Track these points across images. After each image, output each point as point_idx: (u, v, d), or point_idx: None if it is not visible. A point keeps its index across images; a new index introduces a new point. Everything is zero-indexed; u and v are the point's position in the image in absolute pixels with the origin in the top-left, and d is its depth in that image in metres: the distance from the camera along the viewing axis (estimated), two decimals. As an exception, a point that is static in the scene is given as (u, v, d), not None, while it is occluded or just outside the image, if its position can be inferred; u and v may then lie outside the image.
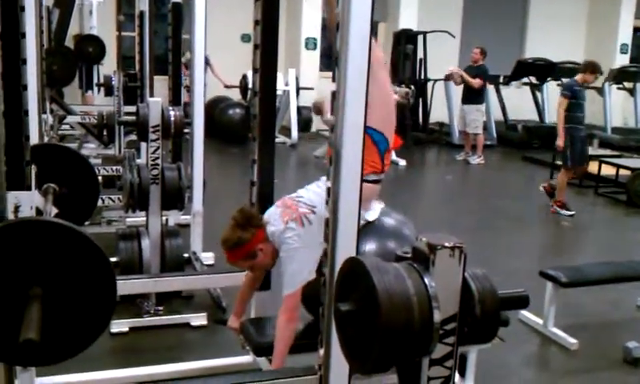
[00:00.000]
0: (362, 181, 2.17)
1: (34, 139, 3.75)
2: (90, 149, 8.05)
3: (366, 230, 2.85)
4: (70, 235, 1.88)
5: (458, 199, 8.41)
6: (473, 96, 10.24)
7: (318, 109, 9.44)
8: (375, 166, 2.93)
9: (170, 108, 4.22)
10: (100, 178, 5.46)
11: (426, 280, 1.40)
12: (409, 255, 1.48)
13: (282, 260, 2.77)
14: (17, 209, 2.53)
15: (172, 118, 4.12)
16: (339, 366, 2.22)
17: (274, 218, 2.84)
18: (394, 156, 9.97)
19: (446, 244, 1.42)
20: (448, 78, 10.87)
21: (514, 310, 1.60)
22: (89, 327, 1.91)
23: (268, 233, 2.81)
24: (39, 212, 2.82)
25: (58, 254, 1.86)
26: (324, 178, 2.88)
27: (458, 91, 10.87)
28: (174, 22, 5.78)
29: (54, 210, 3.00)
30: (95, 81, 9.92)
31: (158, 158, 4.00)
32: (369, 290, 1.36)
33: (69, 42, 9.75)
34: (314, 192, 2.87)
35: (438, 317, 1.38)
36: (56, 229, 1.89)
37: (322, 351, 2.30)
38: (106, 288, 1.92)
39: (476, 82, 10.09)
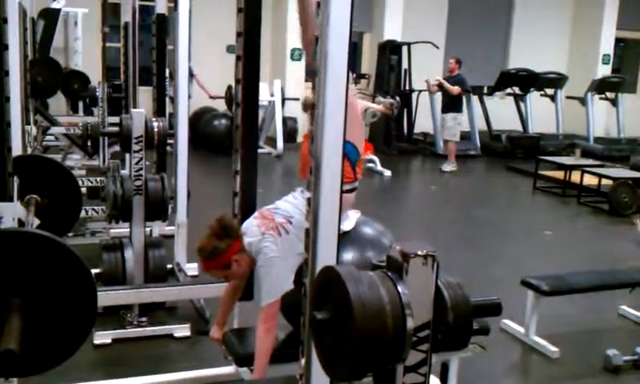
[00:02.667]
0: (342, 197, 2.18)
1: (17, 150, 3.77)
2: (75, 160, 8.04)
3: (345, 239, 2.87)
4: (51, 246, 1.89)
5: (442, 209, 8.46)
6: (451, 104, 10.38)
7: (307, 105, 9.48)
8: (347, 175, 2.90)
9: (154, 119, 4.23)
10: (84, 189, 5.48)
11: (400, 288, 1.42)
12: (384, 264, 1.51)
13: (259, 270, 2.79)
14: (-1, 220, 2.54)
15: (155, 129, 4.13)
16: (320, 375, 2.23)
17: (250, 229, 2.86)
18: (379, 166, 10.04)
19: (419, 252, 1.44)
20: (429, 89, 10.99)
21: (487, 317, 1.63)
22: (69, 338, 1.92)
23: (245, 243, 2.83)
24: (21, 223, 2.82)
25: (38, 265, 1.87)
26: (299, 189, 2.92)
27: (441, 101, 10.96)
28: (158, 33, 5.79)
29: (36, 221, 3.00)
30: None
31: (141, 168, 4.00)
32: (343, 299, 1.39)
33: (55, 53, 9.74)
34: (290, 203, 2.91)
35: (411, 324, 1.41)
36: (37, 240, 1.90)
37: (303, 361, 2.32)
38: (87, 299, 1.93)
39: (455, 89, 10.21)
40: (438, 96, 10.97)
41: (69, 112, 10.06)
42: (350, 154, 2.95)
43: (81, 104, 9.96)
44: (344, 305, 1.39)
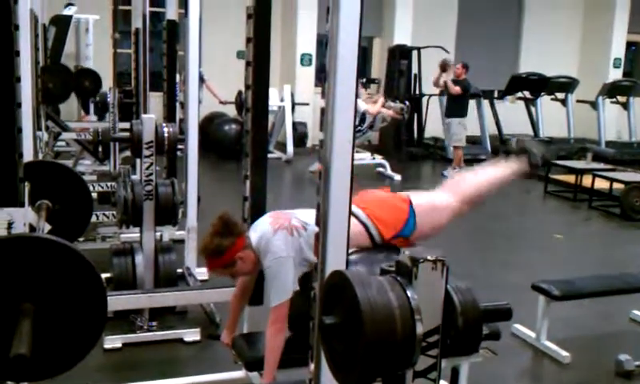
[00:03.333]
0: (351, 202, 2.18)
1: (28, 156, 3.80)
2: (86, 165, 8.09)
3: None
4: (62, 251, 1.90)
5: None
6: (455, 109, 10.34)
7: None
8: (386, 232, 2.92)
9: (164, 124, 4.25)
10: (95, 194, 5.53)
11: (409, 293, 1.42)
12: (393, 269, 1.50)
13: (267, 271, 2.77)
14: (10, 225, 2.55)
15: (165, 135, 4.14)
16: (330, 380, 2.23)
17: (261, 225, 2.85)
18: (388, 171, 10.04)
19: (429, 257, 1.44)
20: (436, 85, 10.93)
21: (497, 322, 1.62)
22: (80, 343, 1.93)
23: (252, 240, 2.81)
24: (32, 228, 2.84)
25: (49, 270, 1.87)
26: None
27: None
28: (168, 39, 5.82)
29: (48, 227, 3.02)
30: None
31: (151, 174, 4.02)
32: (352, 303, 1.38)
33: (66, 59, 9.80)
34: (309, 213, 2.89)
35: (420, 329, 1.40)
36: (48, 245, 1.91)
37: (312, 365, 2.31)
38: (97, 304, 1.94)
39: (455, 89, 10.17)
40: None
41: (80, 114, 10.10)
42: (406, 227, 2.95)
43: (92, 108, 10.01)
44: (353, 309, 1.39)
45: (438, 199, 3.13)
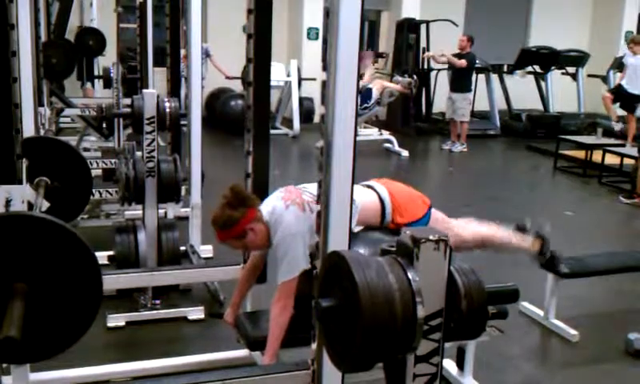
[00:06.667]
0: (354, 178, 2.11)
1: (29, 132, 3.74)
2: (91, 141, 8.04)
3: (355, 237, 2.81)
4: (56, 231, 1.85)
5: (460, 190, 8.35)
6: (460, 84, 10.20)
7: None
8: (400, 218, 2.99)
9: (166, 99, 4.17)
10: (100, 170, 5.48)
11: (410, 274, 1.35)
12: (393, 249, 1.44)
13: (278, 245, 2.71)
14: (8, 203, 2.51)
15: (167, 110, 4.07)
16: (332, 360, 2.19)
17: (273, 200, 2.81)
18: (396, 146, 9.94)
19: (431, 237, 1.37)
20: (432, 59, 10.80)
21: (503, 304, 1.56)
22: (74, 324, 1.88)
23: (264, 213, 2.77)
24: (31, 206, 2.79)
25: (43, 250, 1.83)
26: None
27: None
28: (171, 13, 5.74)
29: (46, 204, 2.97)
30: (95, 73, 9.89)
31: (153, 150, 3.95)
32: (349, 285, 1.32)
33: (70, 35, 9.71)
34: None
35: (421, 312, 1.34)
36: (41, 224, 1.86)
37: (314, 346, 2.27)
38: (92, 285, 1.89)
39: (459, 63, 10.03)
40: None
41: (84, 86, 9.99)
42: (418, 224, 3.03)
43: (97, 84, 9.93)
44: (350, 292, 1.32)
45: (452, 222, 3.27)
